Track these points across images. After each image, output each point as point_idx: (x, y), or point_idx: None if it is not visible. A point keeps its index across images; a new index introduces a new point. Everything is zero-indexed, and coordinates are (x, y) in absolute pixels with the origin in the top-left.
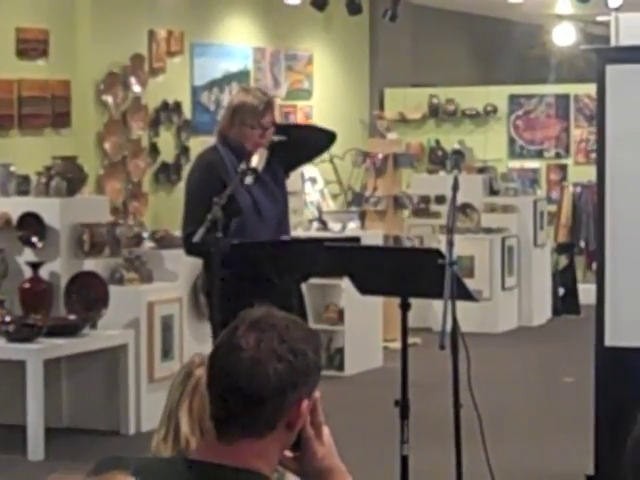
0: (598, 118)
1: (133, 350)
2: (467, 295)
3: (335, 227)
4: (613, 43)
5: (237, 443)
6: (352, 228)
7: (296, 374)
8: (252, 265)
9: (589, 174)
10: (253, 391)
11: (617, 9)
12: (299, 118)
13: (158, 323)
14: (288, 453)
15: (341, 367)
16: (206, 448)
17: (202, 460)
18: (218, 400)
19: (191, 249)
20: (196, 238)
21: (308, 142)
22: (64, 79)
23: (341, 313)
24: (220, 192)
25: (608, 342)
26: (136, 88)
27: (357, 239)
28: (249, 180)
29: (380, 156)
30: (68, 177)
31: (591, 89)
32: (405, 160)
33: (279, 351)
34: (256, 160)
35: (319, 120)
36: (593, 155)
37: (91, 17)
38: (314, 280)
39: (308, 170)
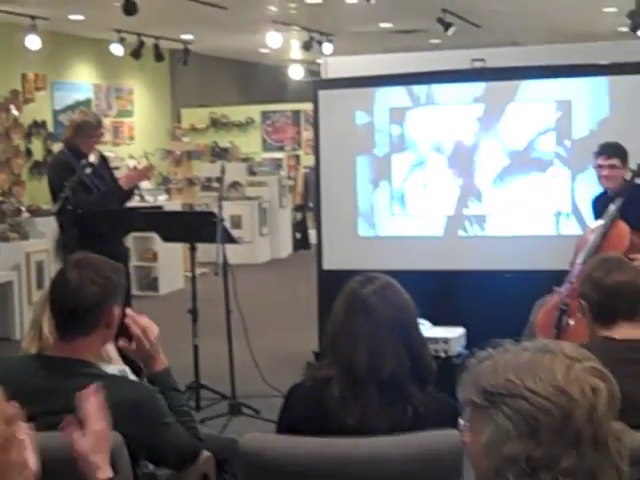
0: (314, 125)
1: (17, 284)
2: (232, 240)
3: (150, 199)
4: (323, 76)
5: (73, 341)
6: (161, 200)
7: (106, 292)
8: (92, 226)
9: (313, 160)
10: (79, 306)
11: (327, 55)
12: (125, 130)
13: (33, 266)
14: (124, 344)
15: (156, 289)
16: (53, 348)
17: (49, 355)
18: (57, 313)
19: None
20: (53, 210)
21: None
22: None
23: (155, 254)
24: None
25: (325, 267)
26: (15, 112)
27: (160, 207)
28: (88, 170)
29: (178, 152)
30: None
31: (312, 106)
32: (195, 155)
33: (94, 278)
34: (92, 158)
35: (139, 130)
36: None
37: None
38: (136, 233)
39: (131, 162)
